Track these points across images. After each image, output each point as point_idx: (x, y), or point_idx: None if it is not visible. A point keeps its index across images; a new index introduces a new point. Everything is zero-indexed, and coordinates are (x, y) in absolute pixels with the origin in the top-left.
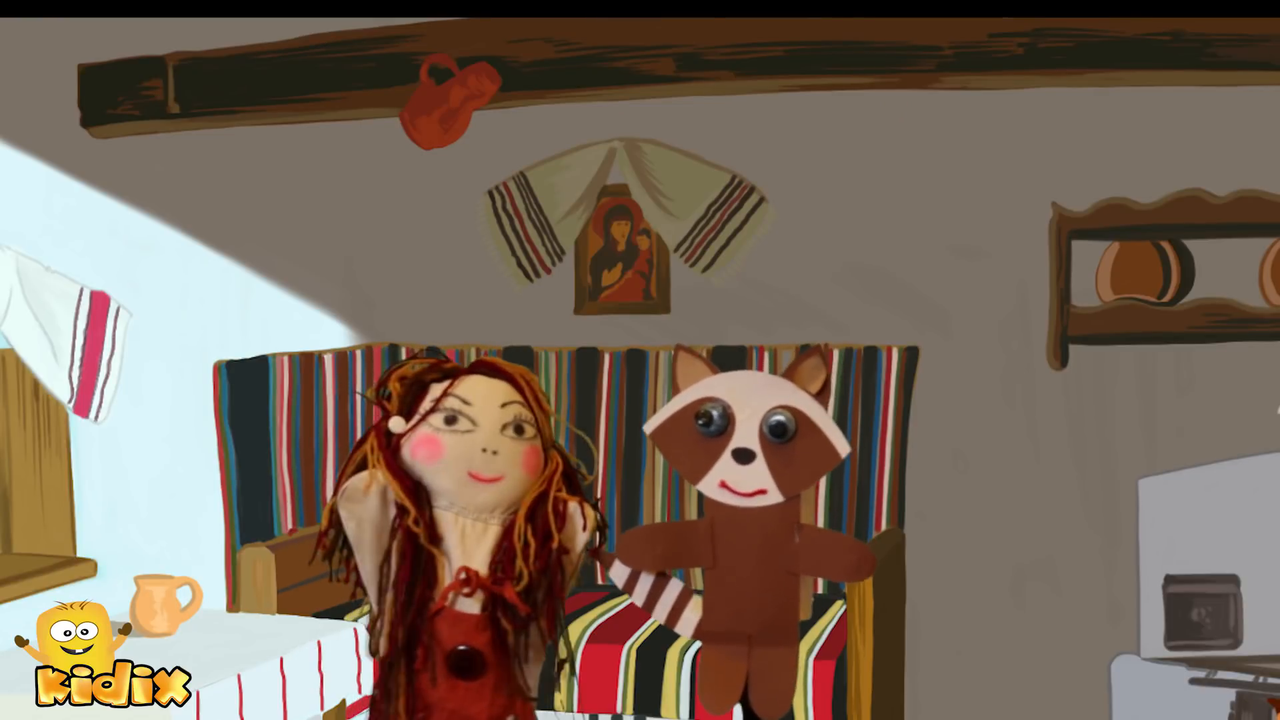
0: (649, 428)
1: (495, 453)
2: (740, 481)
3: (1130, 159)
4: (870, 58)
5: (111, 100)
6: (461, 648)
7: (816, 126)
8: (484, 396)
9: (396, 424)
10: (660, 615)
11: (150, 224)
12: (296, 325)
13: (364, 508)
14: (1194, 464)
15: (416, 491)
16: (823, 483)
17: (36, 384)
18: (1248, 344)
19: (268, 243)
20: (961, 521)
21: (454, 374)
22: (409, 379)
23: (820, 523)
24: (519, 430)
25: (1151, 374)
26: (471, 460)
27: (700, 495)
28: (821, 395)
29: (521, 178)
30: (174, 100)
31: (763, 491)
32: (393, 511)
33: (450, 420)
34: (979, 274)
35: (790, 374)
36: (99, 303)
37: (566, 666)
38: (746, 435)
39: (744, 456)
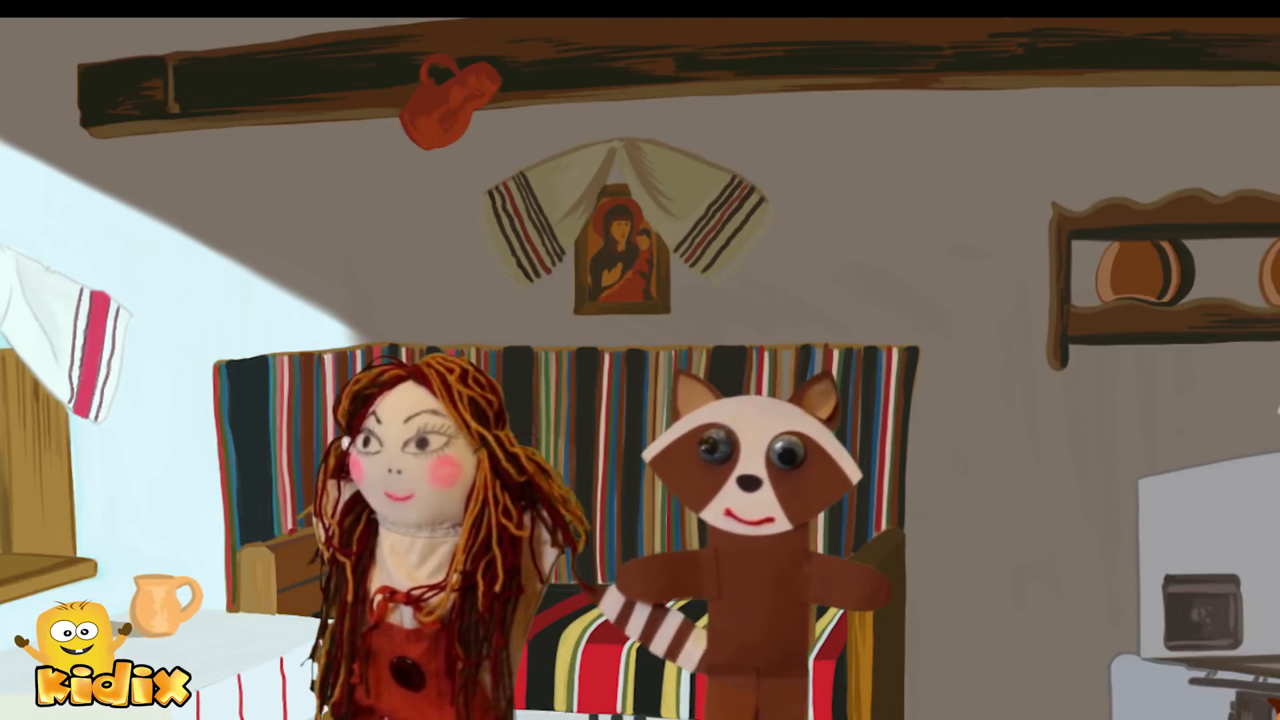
0: (648, 455)
1: (400, 472)
2: (746, 510)
3: (1130, 159)
4: (870, 58)
5: (111, 100)
6: (398, 660)
7: (816, 126)
8: (392, 412)
9: (345, 444)
10: (659, 649)
11: (150, 224)
12: (296, 325)
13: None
14: (1194, 464)
15: (362, 504)
16: None
17: (36, 384)
18: (1248, 344)
19: (268, 243)
20: (961, 521)
21: (389, 384)
22: (355, 394)
23: (820, 523)
24: (422, 444)
25: (1151, 374)
26: (384, 481)
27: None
28: (830, 421)
29: (521, 178)
30: (174, 100)
31: (770, 520)
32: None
33: (366, 441)
34: (979, 274)
35: (798, 399)
36: (99, 303)
37: (507, 713)
38: (752, 462)
39: (750, 484)
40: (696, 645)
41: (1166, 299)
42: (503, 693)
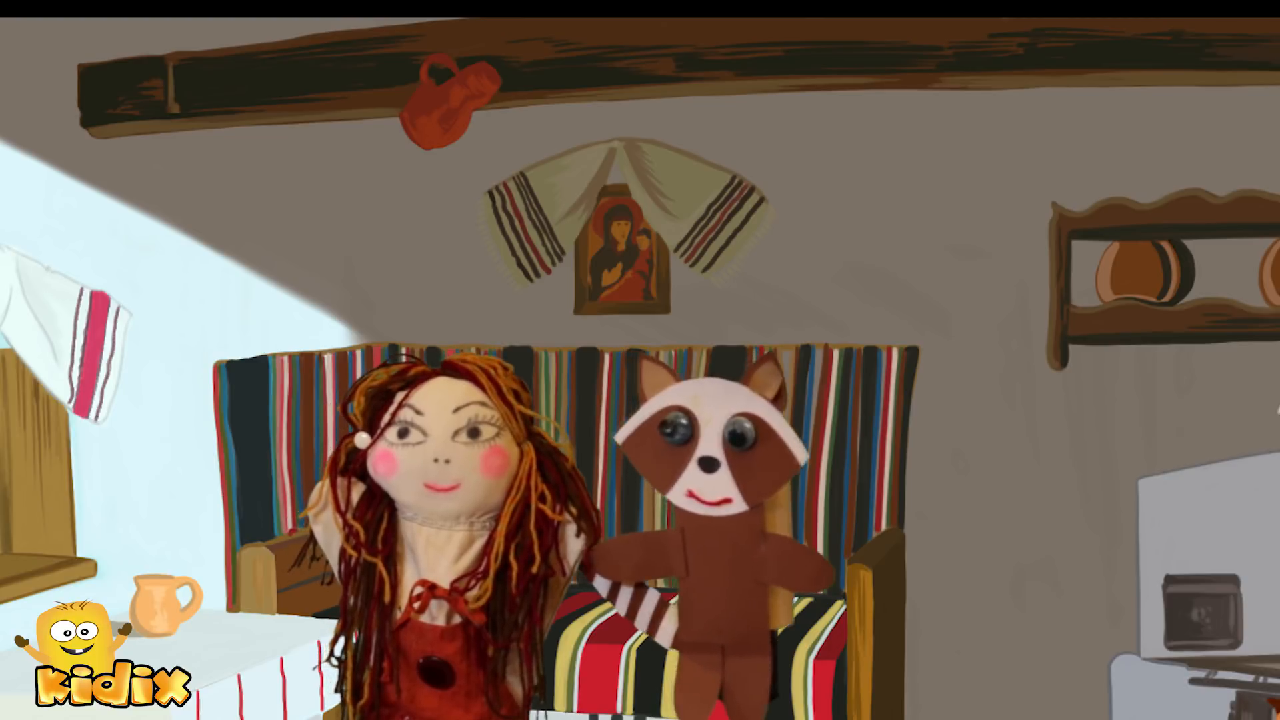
0: (619, 438)
1: (448, 461)
2: (706, 490)
3: (1130, 159)
4: (870, 58)
5: (111, 100)
6: (428, 658)
7: (816, 126)
8: (437, 403)
9: (361, 440)
10: (641, 625)
11: (150, 224)
12: (296, 325)
13: (325, 517)
14: (1194, 464)
15: (381, 501)
16: (822, 483)
17: (36, 384)
18: (1248, 344)
19: (268, 243)
20: (961, 521)
21: (416, 381)
22: (374, 390)
23: (820, 523)
24: (474, 434)
25: (1151, 374)
26: (425, 472)
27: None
28: (778, 401)
29: (521, 178)
30: (174, 100)
31: (728, 500)
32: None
33: (403, 433)
34: (979, 274)
35: (745, 380)
36: (99, 303)
37: (536, 693)
38: (710, 443)
39: (709, 465)
40: (671, 622)
41: (1166, 299)
42: (535, 672)
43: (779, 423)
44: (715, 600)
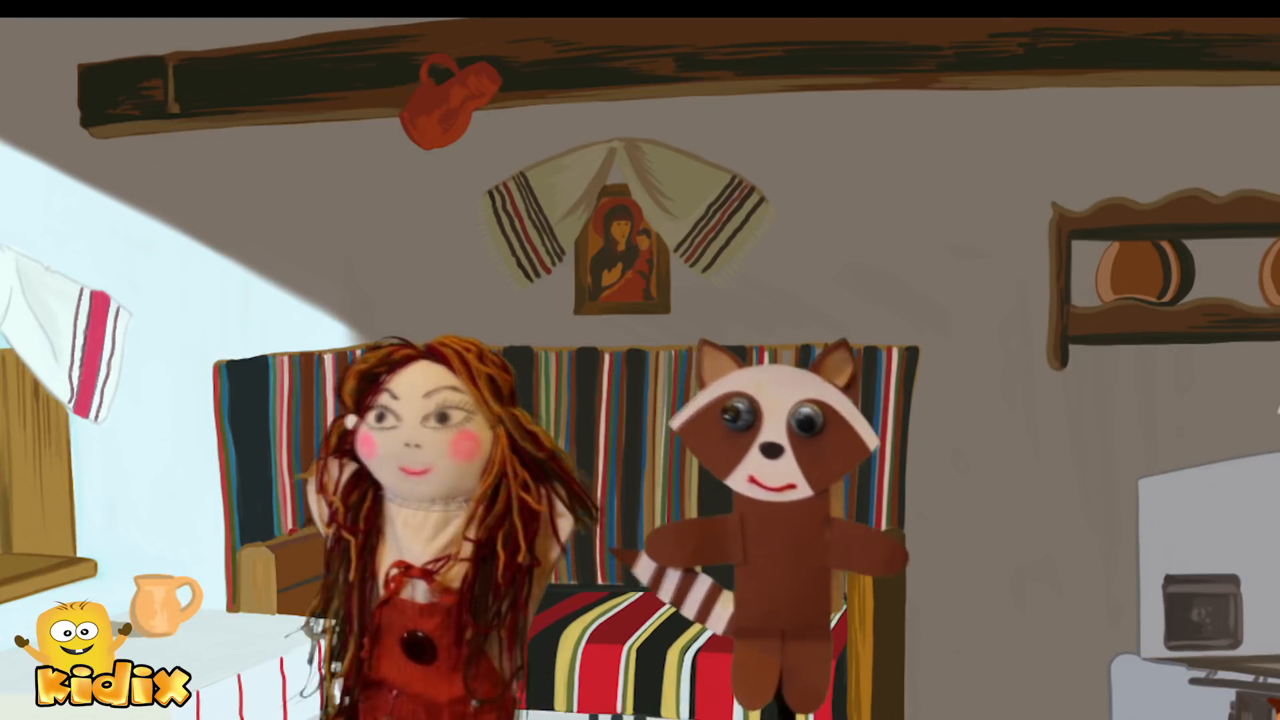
0: (675, 423)
1: (418, 446)
2: (769, 476)
3: (1130, 159)
4: (870, 58)
5: (111, 100)
6: (410, 634)
7: (816, 126)
8: (410, 388)
9: (350, 421)
10: (690, 611)
11: (150, 224)
12: (296, 325)
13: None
14: (1194, 464)
15: (367, 480)
16: None
17: (36, 384)
18: (1248, 344)
19: (268, 243)
20: (961, 521)
21: (399, 364)
22: (363, 372)
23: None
24: (442, 418)
25: (1151, 374)
26: (400, 456)
27: (702, 491)
28: (849, 389)
29: (521, 178)
30: (174, 100)
31: (792, 486)
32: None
33: (380, 417)
34: (979, 274)
35: (816, 367)
36: (99, 303)
37: (518, 677)
38: (774, 429)
39: (772, 451)
40: (725, 608)
41: (1166, 299)
42: (517, 658)
43: (849, 409)
44: (776, 586)
